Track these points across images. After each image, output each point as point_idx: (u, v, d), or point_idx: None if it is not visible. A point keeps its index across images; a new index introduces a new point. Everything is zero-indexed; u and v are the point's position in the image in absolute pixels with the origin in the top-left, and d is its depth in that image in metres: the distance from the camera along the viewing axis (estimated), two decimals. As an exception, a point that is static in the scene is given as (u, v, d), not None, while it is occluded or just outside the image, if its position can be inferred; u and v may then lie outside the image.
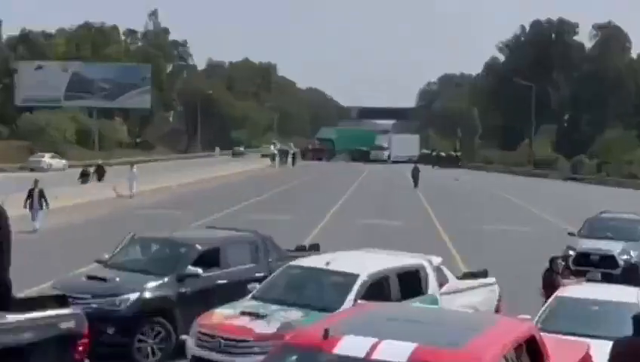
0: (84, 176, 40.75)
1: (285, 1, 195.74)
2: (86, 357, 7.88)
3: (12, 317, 7.12)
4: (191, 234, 13.01)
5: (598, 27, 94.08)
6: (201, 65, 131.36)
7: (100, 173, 41.68)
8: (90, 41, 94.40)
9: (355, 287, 9.34)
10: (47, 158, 56.89)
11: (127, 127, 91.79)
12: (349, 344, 5.44)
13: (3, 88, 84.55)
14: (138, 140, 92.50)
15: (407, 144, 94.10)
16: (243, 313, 9.25)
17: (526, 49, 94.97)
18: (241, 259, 11.74)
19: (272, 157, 70.90)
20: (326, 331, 5.51)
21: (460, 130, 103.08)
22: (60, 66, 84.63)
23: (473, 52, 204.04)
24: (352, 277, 9.53)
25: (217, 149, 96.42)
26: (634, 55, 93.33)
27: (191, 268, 10.90)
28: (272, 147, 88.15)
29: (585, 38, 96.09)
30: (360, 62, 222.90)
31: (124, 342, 10.18)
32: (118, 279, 10.80)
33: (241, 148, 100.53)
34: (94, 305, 10.03)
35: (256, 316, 9.13)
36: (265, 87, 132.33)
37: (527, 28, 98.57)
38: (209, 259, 11.28)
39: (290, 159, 71.48)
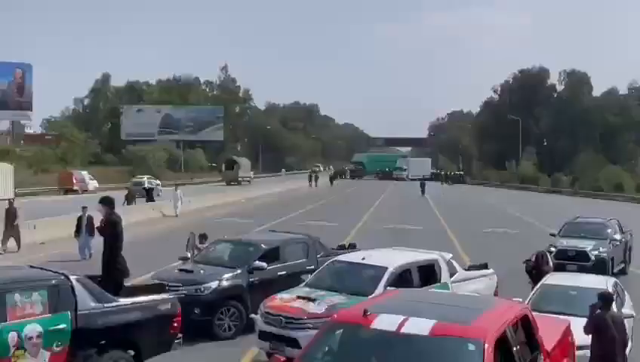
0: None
1: (328, 58, 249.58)
2: (179, 331, 11.03)
3: (124, 301, 10.45)
4: (257, 237, 17.12)
5: (566, 73, 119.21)
6: (261, 106, 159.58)
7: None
8: (177, 90, 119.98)
9: (385, 277, 12.44)
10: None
11: (205, 155, 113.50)
12: (383, 320, 7.51)
13: (112, 127, 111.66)
14: (214, 165, 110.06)
15: (421, 165, 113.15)
16: (299, 297, 12.45)
17: (514, 91, 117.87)
18: (296, 255, 15.53)
19: (310, 178, 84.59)
20: (365, 311, 7.64)
21: (462, 155, 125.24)
22: (154, 109, 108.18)
23: (474, 93, 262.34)
24: (383, 269, 12.57)
25: (283, 170, 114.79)
26: (596, 93, 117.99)
27: (258, 263, 14.57)
28: (315, 169, 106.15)
29: (555, 80, 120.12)
30: (385, 101, 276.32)
31: (207, 320, 13.95)
32: (202, 271, 14.53)
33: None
34: (185, 292, 13.49)
35: (309, 299, 12.21)
36: (310, 123, 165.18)
37: (515, 75, 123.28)
38: (271, 255, 15.04)
39: (328, 179, 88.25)
